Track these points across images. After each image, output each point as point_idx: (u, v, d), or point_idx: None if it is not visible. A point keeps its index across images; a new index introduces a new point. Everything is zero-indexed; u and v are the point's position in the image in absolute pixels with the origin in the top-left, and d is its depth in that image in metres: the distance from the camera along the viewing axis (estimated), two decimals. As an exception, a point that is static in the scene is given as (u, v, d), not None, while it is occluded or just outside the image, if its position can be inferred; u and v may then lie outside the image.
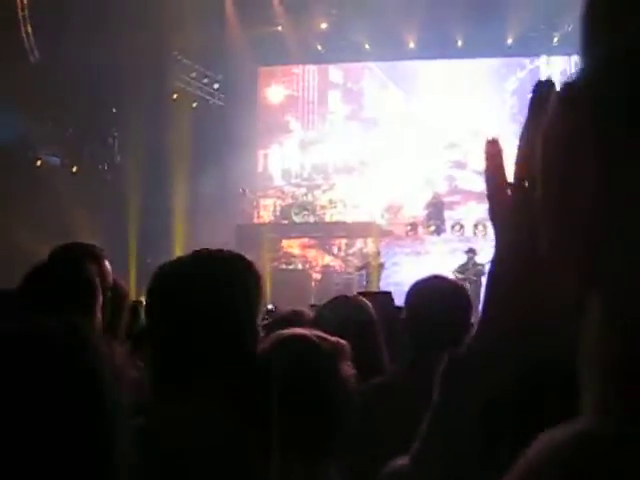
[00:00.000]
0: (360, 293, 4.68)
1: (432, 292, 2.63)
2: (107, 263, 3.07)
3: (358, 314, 2.90)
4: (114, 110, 15.98)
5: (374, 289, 14.86)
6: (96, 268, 2.73)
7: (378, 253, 16.34)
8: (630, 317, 0.36)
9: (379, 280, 15.66)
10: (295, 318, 3.15)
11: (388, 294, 4.77)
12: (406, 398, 2.30)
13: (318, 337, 1.86)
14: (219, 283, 1.79)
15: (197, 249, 1.90)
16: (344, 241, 17.97)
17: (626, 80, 0.39)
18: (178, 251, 15.75)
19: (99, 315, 2.44)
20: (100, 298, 2.48)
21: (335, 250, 17.98)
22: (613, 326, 0.37)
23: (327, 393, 1.78)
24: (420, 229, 17.37)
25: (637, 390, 0.36)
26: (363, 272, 16.24)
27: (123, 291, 3.38)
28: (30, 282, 2.38)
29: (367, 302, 3.11)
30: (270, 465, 1.65)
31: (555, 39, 17.28)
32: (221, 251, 1.88)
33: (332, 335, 1.94)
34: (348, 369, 1.84)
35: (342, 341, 1.89)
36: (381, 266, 15.91)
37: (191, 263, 1.84)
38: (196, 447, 1.64)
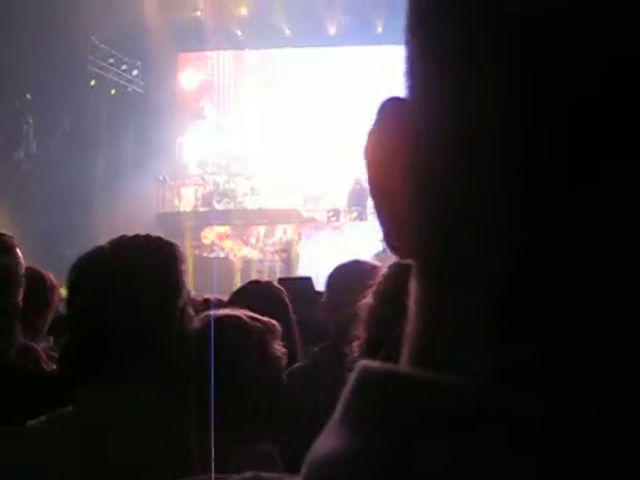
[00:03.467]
0: (280, 279, 4.66)
1: (353, 274, 2.61)
2: (19, 251, 2.97)
3: (269, 299, 2.89)
4: (29, 97, 15.62)
5: (294, 275, 15.00)
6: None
7: (298, 239, 16.35)
8: None
9: (297, 267, 15.70)
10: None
11: (308, 279, 4.76)
12: (327, 381, 2.33)
13: (249, 317, 1.91)
14: (140, 269, 1.81)
15: (116, 237, 1.92)
16: (262, 232, 17.84)
17: None
18: (98, 242, 15.49)
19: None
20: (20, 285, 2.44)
21: (253, 241, 17.85)
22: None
23: (256, 370, 1.82)
24: (342, 216, 17.36)
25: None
26: (285, 255, 16.25)
27: (48, 283, 3.28)
28: None
29: (280, 287, 3.10)
30: (204, 442, 1.66)
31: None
32: (138, 237, 1.91)
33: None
34: (279, 348, 1.90)
35: (273, 321, 1.94)
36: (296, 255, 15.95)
37: (110, 252, 1.87)
38: (133, 427, 1.68)
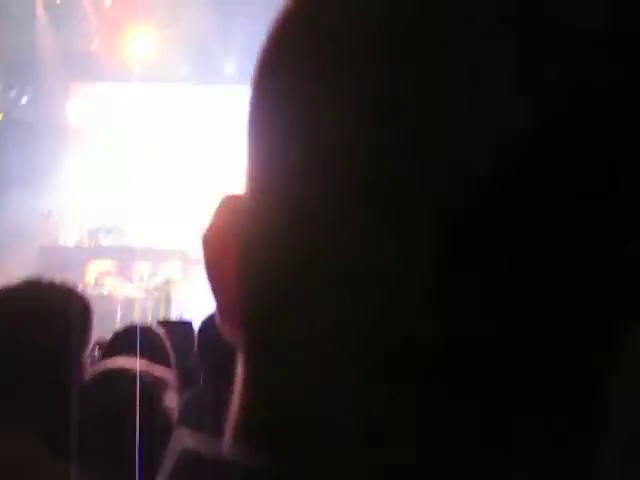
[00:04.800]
0: (161, 322, 4.56)
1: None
2: None
3: (150, 346, 2.80)
4: None
5: (168, 312, 15.14)
6: None
7: (183, 279, 16.38)
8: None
9: (173, 306, 15.72)
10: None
11: (189, 324, 4.71)
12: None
13: (141, 370, 1.89)
14: (45, 316, 1.79)
15: (26, 278, 1.91)
16: (147, 270, 17.54)
17: None
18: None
19: None
20: None
21: (137, 279, 17.53)
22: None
23: (146, 424, 1.78)
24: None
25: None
26: (160, 294, 16.24)
27: None
28: None
29: (158, 333, 3.04)
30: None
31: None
32: (50, 283, 1.92)
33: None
34: (170, 401, 1.90)
35: (166, 374, 1.97)
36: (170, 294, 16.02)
37: (16, 294, 1.86)
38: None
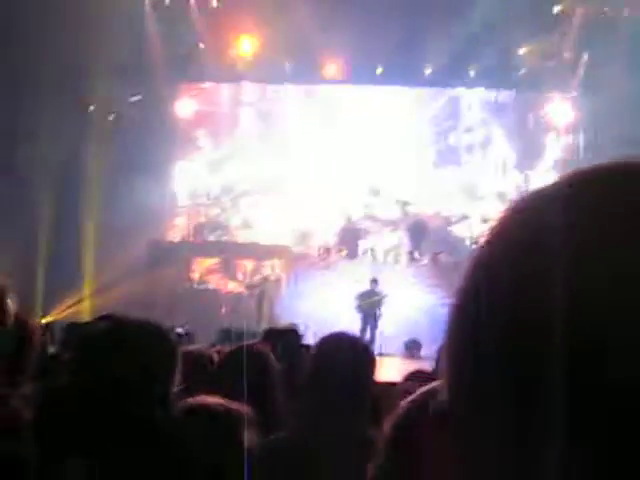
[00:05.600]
0: (267, 332, 4.64)
1: (338, 353, 2.58)
2: (9, 301, 3.00)
3: (255, 368, 2.88)
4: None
5: (267, 308, 15.43)
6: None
7: (285, 277, 16.64)
8: None
9: (272, 300, 15.93)
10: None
11: (294, 332, 4.75)
12: (307, 457, 2.32)
13: (223, 406, 1.98)
14: (136, 356, 1.89)
15: (121, 317, 2.07)
16: (250, 267, 17.74)
17: None
18: (87, 270, 15.66)
19: None
20: None
21: (240, 276, 17.81)
22: None
23: (227, 460, 1.86)
24: (332, 253, 17.39)
25: None
26: (258, 291, 16.45)
27: (29, 329, 3.30)
28: None
29: (266, 352, 3.07)
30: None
31: (471, 72, 17.70)
32: (141, 322, 2.00)
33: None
34: (250, 436, 1.95)
35: (245, 409, 2.01)
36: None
37: (113, 334, 1.97)
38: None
